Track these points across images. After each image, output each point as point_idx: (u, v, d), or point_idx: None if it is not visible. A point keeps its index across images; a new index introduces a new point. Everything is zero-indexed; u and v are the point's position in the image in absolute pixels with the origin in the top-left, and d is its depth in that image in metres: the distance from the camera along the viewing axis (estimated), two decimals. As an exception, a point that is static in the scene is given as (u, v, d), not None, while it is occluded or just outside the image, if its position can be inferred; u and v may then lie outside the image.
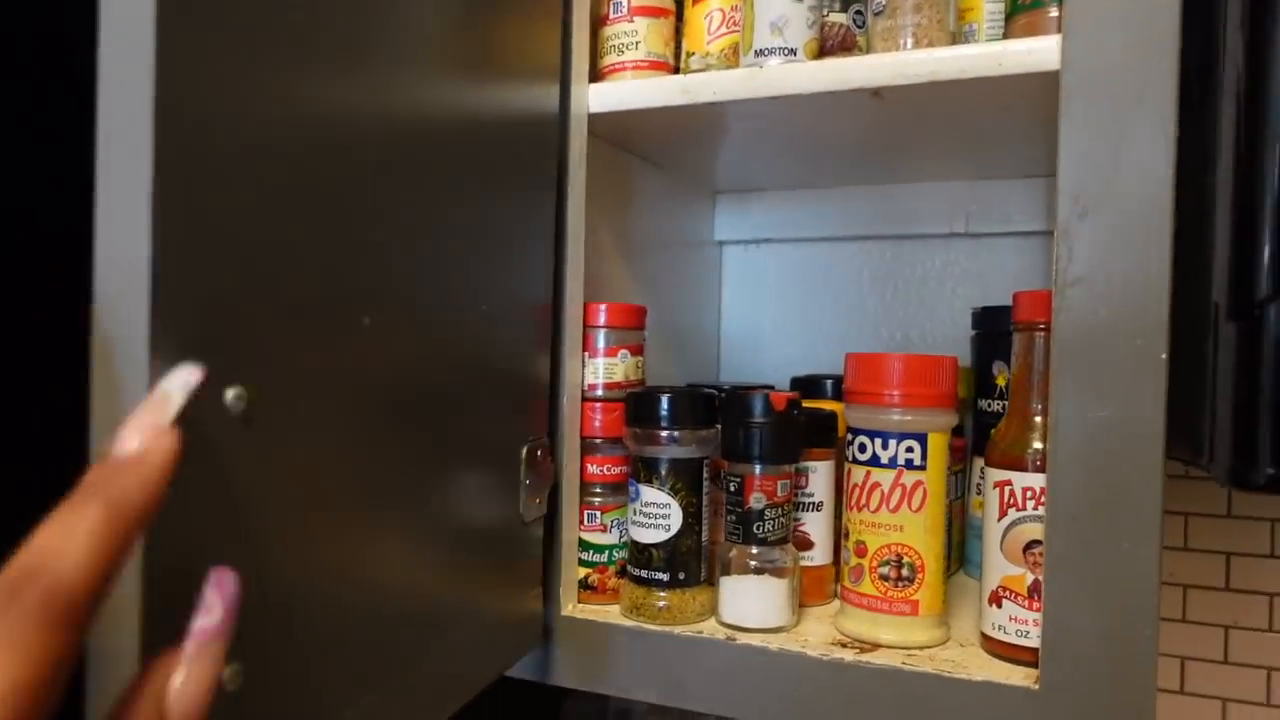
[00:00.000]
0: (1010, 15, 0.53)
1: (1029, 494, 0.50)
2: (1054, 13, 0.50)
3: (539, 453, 0.56)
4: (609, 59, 0.61)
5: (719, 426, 0.58)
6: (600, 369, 0.61)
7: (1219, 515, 0.75)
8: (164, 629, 0.28)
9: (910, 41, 0.53)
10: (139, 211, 0.27)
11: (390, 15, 0.42)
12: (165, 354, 0.28)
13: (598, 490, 0.60)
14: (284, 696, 0.35)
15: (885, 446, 0.53)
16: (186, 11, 0.29)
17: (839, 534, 0.59)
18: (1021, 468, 0.51)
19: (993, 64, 0.49)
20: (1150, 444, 0.44)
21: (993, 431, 0.54)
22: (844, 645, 0.53)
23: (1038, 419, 0.51)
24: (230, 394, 0.30)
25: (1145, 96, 0.44)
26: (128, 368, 0.27)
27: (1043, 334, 0.51)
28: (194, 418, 0.29)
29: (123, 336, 0.27)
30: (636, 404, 0.58)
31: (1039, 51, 0.48)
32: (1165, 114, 0.44)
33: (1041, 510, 0.49)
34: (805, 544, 0.60)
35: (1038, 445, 0.51)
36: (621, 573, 0.59)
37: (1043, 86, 0.49)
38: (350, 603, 0.40)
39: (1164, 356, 0.43)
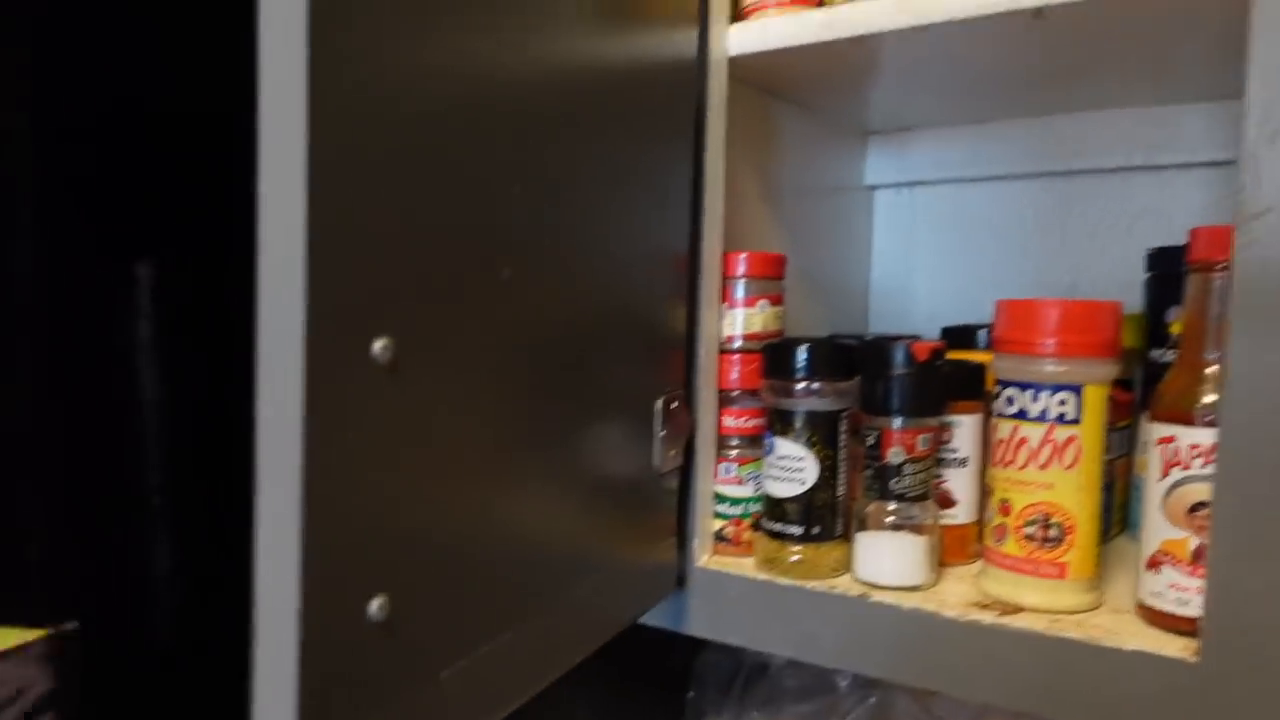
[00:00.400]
0: (1191, -79, 0.48)
1: (1196, 451, 0.46)
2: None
3: (675, 404, 0.56)
4: (747, -1, 0.60)
5: (858, 378, 0.56)
6: (739, 320, 0.60)
7: None
8: (322, 574, 0.31)
9: (1071, -40, 0.48)
10: (295, 163, 0.30)
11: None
12: (317, 304, 0.30)
13: (734, 443, 0.60)
14: (427, 628, 0.37)
15: (1035, 399, 0.50)
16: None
17: (984, 491, 0.56)
18: (1189, 422, 0.47)
19: (1166, -23, 0.45)
20: (1340, 401, 0.39)
21: (1159, 384, 0.50)
22: (984, 607, 0.51)
23: (1210, 370, 0.47)
24: (378, 345, 0.33)
25: (1349, 5, 0.39)
26: (284, 317, 0.30)
27: (1221, 274, 0.46)
28: (344, 367, 0.31)
29: (279, 287, 0.30)
30: (773, 355, 0.57)
31: (1221, -40, 0.43)
32: (1374, 25, 0.38)
33: (1209, 469, 0.45)
34: (948, 501, 0.58)
35: (1209, 398, 0.46)
36: (756, 526, 0.60)
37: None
38: (490, 544, 0.42)
39: (1362, 302, 0.38)
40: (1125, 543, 0.64)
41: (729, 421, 0.60)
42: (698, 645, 0.84)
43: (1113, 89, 0.70)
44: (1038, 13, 0.50)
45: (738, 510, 0.60)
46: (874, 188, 0.89)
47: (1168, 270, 0.63)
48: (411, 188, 0.35)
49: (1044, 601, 0.50)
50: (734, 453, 0.60)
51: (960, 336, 0.67)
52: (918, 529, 0.54)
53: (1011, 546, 0.51)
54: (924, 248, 0.87)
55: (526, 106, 0.43)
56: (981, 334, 0.67)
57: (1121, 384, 0.65)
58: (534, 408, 0.45)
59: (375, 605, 0.34)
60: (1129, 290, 0.74)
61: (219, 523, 0.49)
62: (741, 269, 0.60)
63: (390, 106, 0.34)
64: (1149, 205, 0.76)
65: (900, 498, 0.54)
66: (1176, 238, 0.68)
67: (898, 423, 0.54)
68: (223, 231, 0.46)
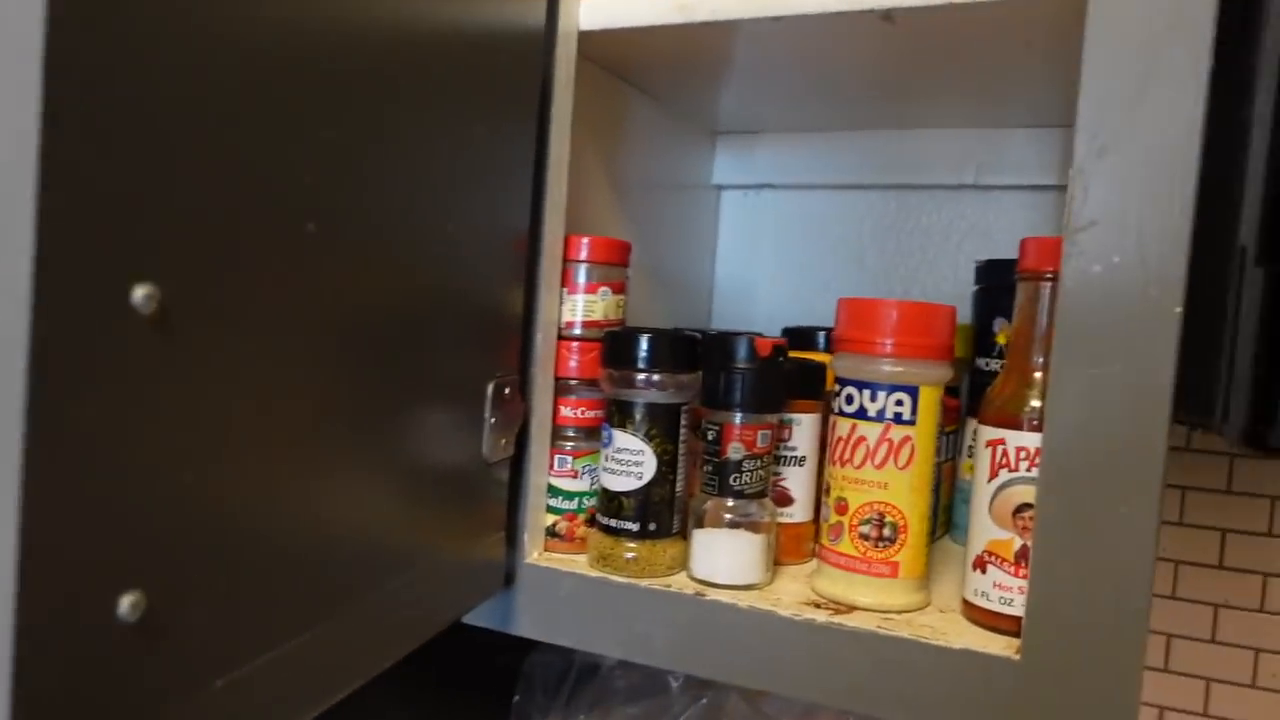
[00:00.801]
0: (1036, -64, 0.49)
1: (1023, 454, 0.47)
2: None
3: (507, 390, 0.52)
4: (601, -28, 0.57)
5: (700, 373, 0.55)
6: (579, 306, 0.57)
7: (1218, 490, 0.72)
8: (50, 562, 0.25)
9: (925, -39, 0.49)
10: (28, 84, 0.24)
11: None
12: (53, 237, 0.24)
13: (570, 434, 0.57)
14: (197, 630, 0.32)
15: (874, 399, 0.50)
16: None
17: (820, 490, 0.56)
18: (1017, 426, 0.48)
19: (1013, -16, 0.45)
20: (1157, 403, 0.40)
21: (988, 389, 0.51)
22: (818, 606, 0.50)
23: (1037, 375, 0.48)
24: (139, 292, 0.27)
25: (1178, 22, 0.40)
26: (9, 249, 0.24)
27: (1049, 284, 0.48)
28: (96, 316, 0.25)
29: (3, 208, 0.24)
30: (614, 343, 0.54)
31: (1064, -27, 0.44)
32: (1200, 42, 0.40)
33: (1035, 472, 0.46)
34: (785, 500, 0.58)
35: (1035, 403, 0.47)
36: (590, 521, 0.57)
37: (1066, 10, 0.45)
38: (283, 535, 0.37)
39: (1178, 309, 0.40)
40: (948, 545, 0.65)
41: (565, 411, 0.57)
42: (526, 646, 0.80)
43: (952, 107, 0.73)
44: (887, 15, 0.50)
45: (571, 505, 0.57)
46: (721, 187, 0.89)
47: (995, 283, 0.65)
48: (182, 120, 0.29)
49: (876, 600, 0.49)
50: (569, 445, 0.57)
51: (801, 337, 0.67)
52: (755, 527, 0.53)
53: (846, 545, 0.50)
54: (767, 250, 0.87)
55: (350, 63, 0.38)
56: (821, 336, 0.67)
57: (949, 391, 0.67)
58: (344, 384, 0.40)
59: (126, 603, 0.28)
60: (957, 301, 0.77)
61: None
62: (584, 253, 0.58)
63: (155, 38, 0.28)
64: (976, 222, 0.79)
65: (739, 494, 0.52)
66: (1000, 253, 0.71)
67: (739, 418, 0.52)
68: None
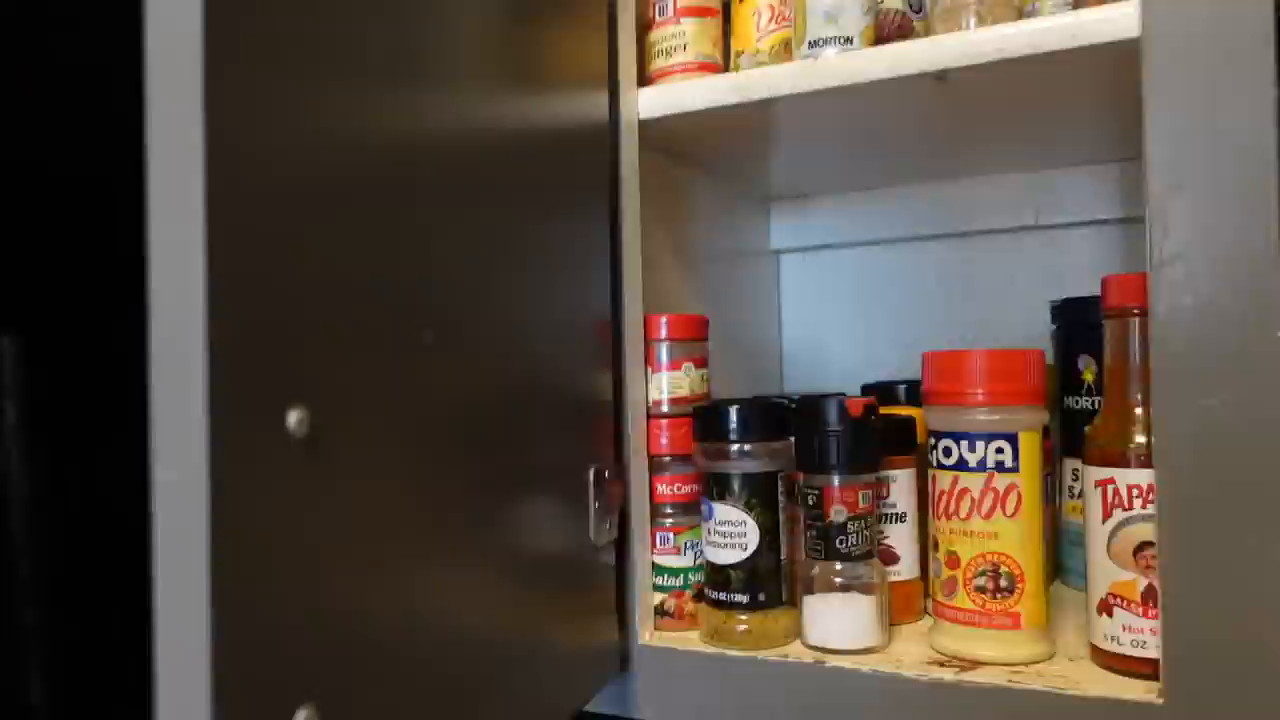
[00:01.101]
0: (1079, -14, 0.51)
1: (1135, 492, 0.47)
2: (1128, -21, 0.47)
3: (606, 474, 0.53)
4: (657, 63, 0.60)
5: (792, 438, 0.55)
6: (665, 384, 0.58)
7: None
8: (237, 685, 0.26)
9: (974, 21, 0.51)
10: (194, 235, 0.26)
11: (435, 30, 0.41)
12: (222, 374, 0.26)
13: (669, 511, 0.58)
14: (359, 738, 0.33)
15: (973, 449, 0.50)
16: (234, 36, 0.28)
17: (925, 546, 0.56)
18: (1125, 464, 0.47)
19: (1066, 36, 0.47)
20: (1271, 427, 0.40)
21: (1087, 429, 0.50)
22: (942, 664, 0.49)
23: (1138, 411, 0.48)
24: (293, 417, 0.29)
25: (1237, 57, 0.41)
26: (185, 386, 0.26)
27: (1138, 319, 0.48)
28: (257, 443, 0.27)
29: (179, 355, 0.26)
30: (704, 418, 0.55)
31: (1116, 19, 0.45)
32: (1262, 74, 0.40)
33: (1151, 509, 0.45)
34: (890, 558, 0.57)
35: (1140, 439, 0.47)
36: (699, 596, 0.57)
37: (1118, 58, 0.46)
38: (422, 636, 0.38)
39: (1279, 332, 0.40)
40: (1061, 589, 0.64)
41: (662, 489, 0.58)
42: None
43: (1004, 154, 0.74)
44: (940, 76, 0.51)
45: (678, 581, 0.57)
46: (779, 252, 0.90)
47: (1073, 320, 0.65)
48: (319, 251, 0.32)
49: (1001, 653, 0.49)
50: (669, 521, 0.57)
51: (882, 393, 0.67)
52: (867, 588, 0.52)
53: (963, 599, 0.50)
54: (833, 309, 0.88)
55: (438, 169, 0.40)
56: (902, 389, 0.67)
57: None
58: (458, 482, 0.41)
59: (302, 717, 0.29)
60: (1030, 342, 0.76)
61: (105, 640, 0.43)
62: (664, 332, 0.59)
63: (289, 172, 0.31)
64: (1042, 263, 0.79)
65: (847, 557, 0.52)
66: (1069, 291, 0.71)
67: (837, 480, 0.53)
68: (103, 301, 0.41)
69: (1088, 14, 0.46)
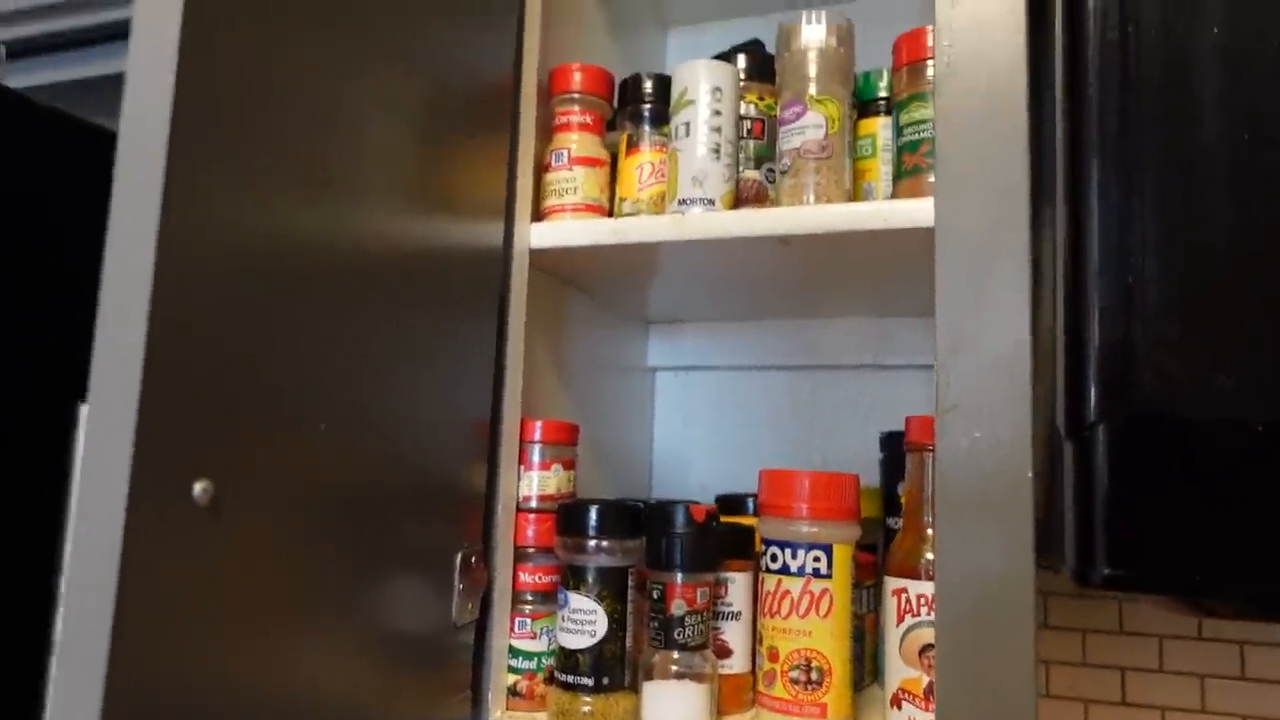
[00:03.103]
0: (896, 179, 0.62)
1: (922, 600, 0.55)
2: (932, 178, 0.58)
3: (474, 559, 0.59)
4: (550, 201, 0.69)
5: (643, 539, 0.62)
6: (535, 481, 0.65)
7: (1073, 595, 0.81)
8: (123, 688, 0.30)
9: (812, 197, 0.61)
10: (136, 327, 0.32)
11: (354, 154, 0.48)
12: (143, 445, 0.32)
13: (529, 598, 0.63)
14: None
15: (795, 556, 0.58)
16: (193, 155, 0.34)
17: (756, 642, 0.62)
18: (916, 576, 0.56)
19: (879, 220, 0.57)
20: (1022, 552, 0.49)
21: (891, 544, 0.59)
22: (758, 747, 0.56)
23: (929, 531, 0.57)
24: (198, 487, 0.34)
25: (1003, 252, 0.52)
26: (111, 457, 0.31)
27: (930, 454, 0.57)
28: (164, 505, 0.32)
29: (109, 425, 0.31)
30: (567, 514, 0.62)
31: (916, 212, 0.56)
32: (1020, 267, 0.51)
33: (933, 616, 0.54)
34: (725, 652, 0.64)
35: (929, 555, 0.56)
36: (549, 679, 0.62)
37: (924, 239, 0.57)
38: (284, 695, 0.42)
39: (1029, 474, 0.49)
40: (876, 690, 0.71)
41: (524, 577, 0.63)
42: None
43: (850, 302, 0.85)
44: (784, 240, 0.61)
45: (531, 664, 0.62)
46: (656, 369, 0.99)
47: (896, 451, 0.75)
48: (237, 344, 0.38)
49: (807, 740, 0.55)
50: (528, 608, 0.63)
51: (732, 504, 0.75)
52: (699, 676, 0.59)
53: (780, 690, 0.57)
54: (699, 424, 0.96)
55: (349, 277, 0.47)
56: (750, 501, 0.75)
57: (866, 548, 0.75)
58: (336, 558, 0.46)
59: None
60: (867, 468, 0.87)
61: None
62: (538, 435, 0.66)
63: (224, 268, 0.37)
64: (879, 396, 0.90)
65: (684, 647, 0.59)
66: (900, 423, 0.82)
67: (680, 577, 0.60)
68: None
69: (897, 205, 0.57)
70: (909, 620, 0.55)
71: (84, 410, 0.32)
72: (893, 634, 0.56)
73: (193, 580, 0.35)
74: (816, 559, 0.57)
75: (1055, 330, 0.46)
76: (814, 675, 0.56)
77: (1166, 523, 0.40)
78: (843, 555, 0.58)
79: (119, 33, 0.36)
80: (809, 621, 0.57)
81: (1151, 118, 0.42)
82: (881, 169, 0.68)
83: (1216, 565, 0.39)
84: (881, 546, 0.76)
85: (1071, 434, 0.43)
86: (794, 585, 0.57)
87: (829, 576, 0.57)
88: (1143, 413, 0.41)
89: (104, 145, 0.36)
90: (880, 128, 0.69)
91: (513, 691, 0.62)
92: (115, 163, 0.35)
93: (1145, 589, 0.41)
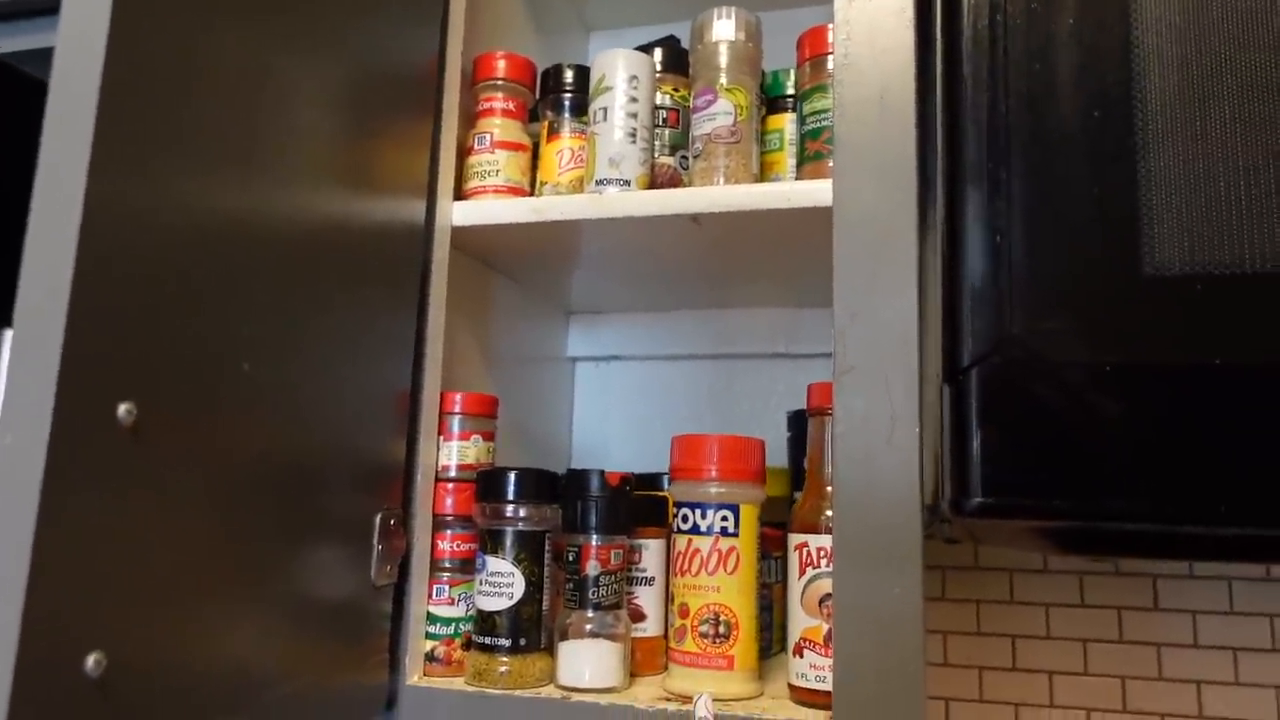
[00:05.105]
0: (800, 164, 0.66)
1: (822, 553, 0.59)
2: (832, 163, 0.63)
3: (393, 522, 0.60)
4: (472, 183, 0.71)
5: (559, 506, 0.64)
6: (454, 451, 0.66)
7: (969, 568, 0.86)
8: (42, 626, 0.31)
9: (722, 179, 0.65)
10: (64, 260, 0.33)
11: (279, 133, 0.50)
12: (69, 366, 0.33)
13: (447, 565, 0.65)
14: (140, 693, 0.37)
15: (704, 516, 0.61)
16: (118, 126, 0.36)
17: (669, 608, 0.65)
18: (816, 531, 0.59)
19: (783, 200, 0.61)
20: (908, 497, 0.53)
21: (793, 504, 0.63)
22: (669, 700, 0.58)
23: (829, 488, 0.60)
24: (122, 407, 0.35)
25: (894, 226, 0.56)
26: (37, 373, 0.32)
27: (829, 417, 0.61)
28: (89, 427, 0.33)
29: (37, 345, 0.32)
30: (486, 480, 0.63)
31: (817, 192, 0.60)
32: (909, 240, 0.56)
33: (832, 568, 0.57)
34: (639, 616, 0.66)
35: (829, 512, 0.59)
36: (467, 645, 0.63)
37: (824, 218, 0.61)
38: (197, 648, 0.43)
39: (916, 430, 0.53)
40: (784, 657, 0.74)
41: (442, 545, 0.65)
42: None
43: (762, 290, 0.89)
44: (695, 219, 0.65)
45: (449, 630, 0.63)
46: (575, 359, 1.01)
47: (802, 429, 0.79)
48: (163, 293, 0.39)
49: (718, 690, 0.58)
50: (446, 575, 0.64)
51: (647, 481, 0.77)
52: (613, 636, 0.61)
53: (690, 644, 0.59)
54: (617, 413, 0.99)
55: (274, 250, 0.49)
56: (665, 479, 0.78)
57: (775, 525, 0.78)
58: (257, 510, 0.47)
59: (91, 660, 0.34)
60: (778, 452, 0.91)
61: None
62: (458, 406, 0.67)
63: (149, 225, 0.39)
64: (790, 384, 0.94)
65: (598, 606, 0.61)
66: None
67: (595, 539, 0.62)
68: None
69: (799, 185, 0.62)
70: (810, 572, 0.59)
71: (7, 334, 0.33)
72: (795, 586, 0.59)
73: (113, 509, 0.35)
74: (724, 518, 0.60)
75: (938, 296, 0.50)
76: (722, 629, 0.59)
77: (1030, 455, 0.44)
78: (749, 515, 0.61)
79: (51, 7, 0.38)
80: (717, 578, 0.60)
81: (1017, 97, 0.47)
82: (789, 161, 0.72)
83: (1074, 490, 0.43)
84: (790, 519, 0.80)
85: (949, 377, 0.47)
86: (704, 544, 0.60)
87: (735, 535, 0.60)
88: (1009, 357, 0.45)
89: (32, 90, 0.37)
90: (787, 123, 0.73)
91: (430, 657, 0.63)
92: (45, 114, 0.36)
93: (1014, 514, 0.45)
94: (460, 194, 0.71)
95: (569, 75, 0.73)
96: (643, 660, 0.65)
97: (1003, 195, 0.46)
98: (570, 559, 0.62)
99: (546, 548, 0.63)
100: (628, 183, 0.66)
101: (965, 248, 0.47)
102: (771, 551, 0.75)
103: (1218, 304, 0.42)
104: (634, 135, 0.67)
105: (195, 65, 0.43)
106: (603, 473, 0.63)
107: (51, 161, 0.35)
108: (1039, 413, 0.44)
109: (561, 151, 0.71)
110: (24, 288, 0.34)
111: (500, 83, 0.72)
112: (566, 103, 0.73)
